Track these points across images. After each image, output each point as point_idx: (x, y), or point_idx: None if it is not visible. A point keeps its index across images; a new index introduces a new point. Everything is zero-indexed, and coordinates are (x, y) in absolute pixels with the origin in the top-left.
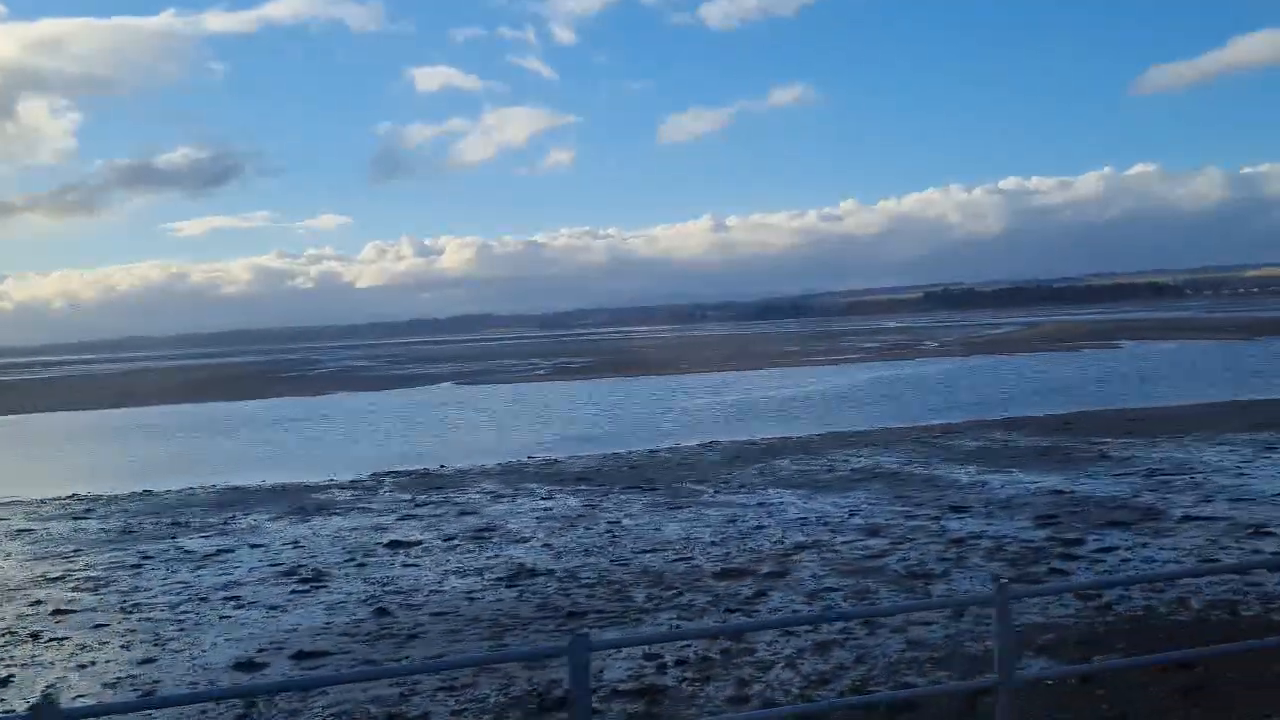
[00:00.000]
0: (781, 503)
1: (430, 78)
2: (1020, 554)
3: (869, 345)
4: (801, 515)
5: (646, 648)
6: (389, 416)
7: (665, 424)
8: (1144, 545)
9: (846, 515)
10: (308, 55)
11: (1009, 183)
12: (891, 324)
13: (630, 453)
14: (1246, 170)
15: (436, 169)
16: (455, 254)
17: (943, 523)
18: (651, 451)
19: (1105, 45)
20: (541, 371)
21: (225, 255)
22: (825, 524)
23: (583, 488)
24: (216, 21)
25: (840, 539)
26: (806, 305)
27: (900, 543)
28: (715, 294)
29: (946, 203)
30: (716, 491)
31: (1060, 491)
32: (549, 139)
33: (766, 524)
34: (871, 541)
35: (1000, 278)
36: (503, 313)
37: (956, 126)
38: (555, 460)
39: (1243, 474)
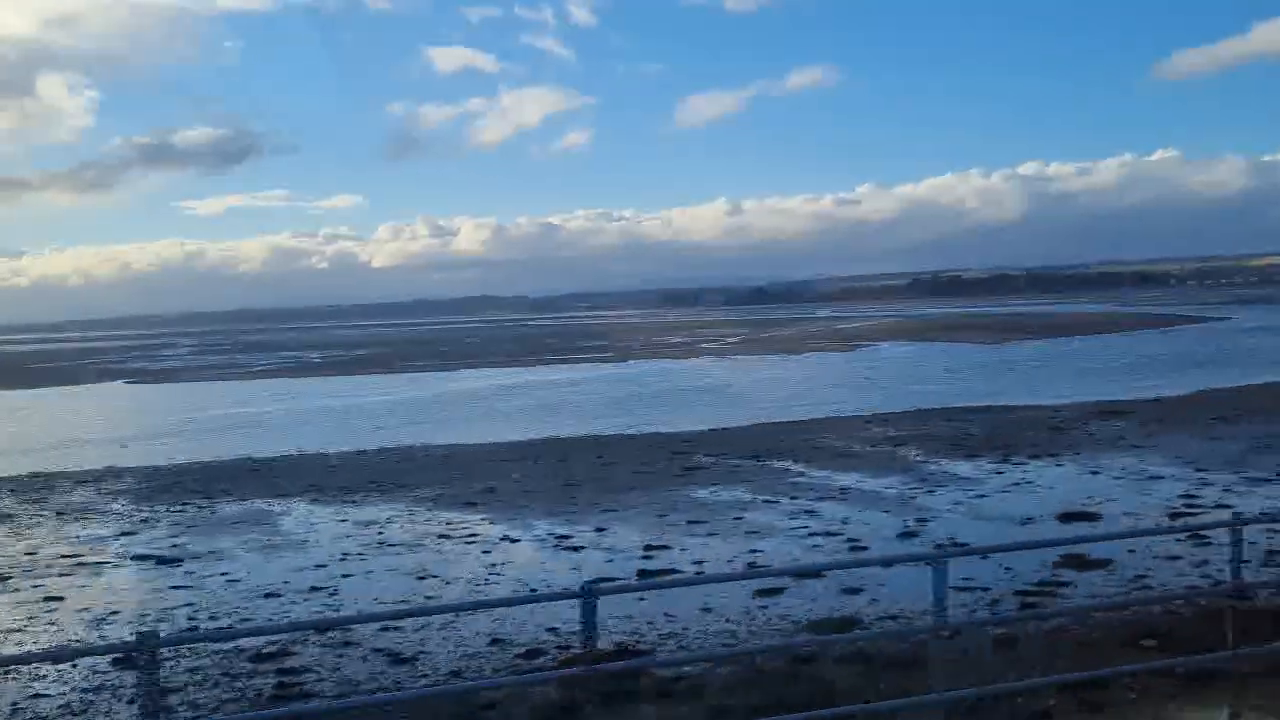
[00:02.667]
0: None
1: (447, 58)
2: None
3: (670, 341)
4: None
5: None
6: None
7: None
8: None
9: None
10: (324, 34)
11: (1028, 168)
12: (823, 314)
13: None
14: (1268, 158)
15: (453, 149)
16: (470, 235)
17: None
18: None
19: (1128, 30)
20: (265, 366)
21: (241, 234)
22: None
23: None
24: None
25: None
26: (798, 292)
27: None
28: (727, 277)
29: (964, 188)
30: None
31: None
32: (565, 120)
33: None
34: None
35: (1013, 264)
36: (507, 295)
37: (976, 111)
38: None
39: None
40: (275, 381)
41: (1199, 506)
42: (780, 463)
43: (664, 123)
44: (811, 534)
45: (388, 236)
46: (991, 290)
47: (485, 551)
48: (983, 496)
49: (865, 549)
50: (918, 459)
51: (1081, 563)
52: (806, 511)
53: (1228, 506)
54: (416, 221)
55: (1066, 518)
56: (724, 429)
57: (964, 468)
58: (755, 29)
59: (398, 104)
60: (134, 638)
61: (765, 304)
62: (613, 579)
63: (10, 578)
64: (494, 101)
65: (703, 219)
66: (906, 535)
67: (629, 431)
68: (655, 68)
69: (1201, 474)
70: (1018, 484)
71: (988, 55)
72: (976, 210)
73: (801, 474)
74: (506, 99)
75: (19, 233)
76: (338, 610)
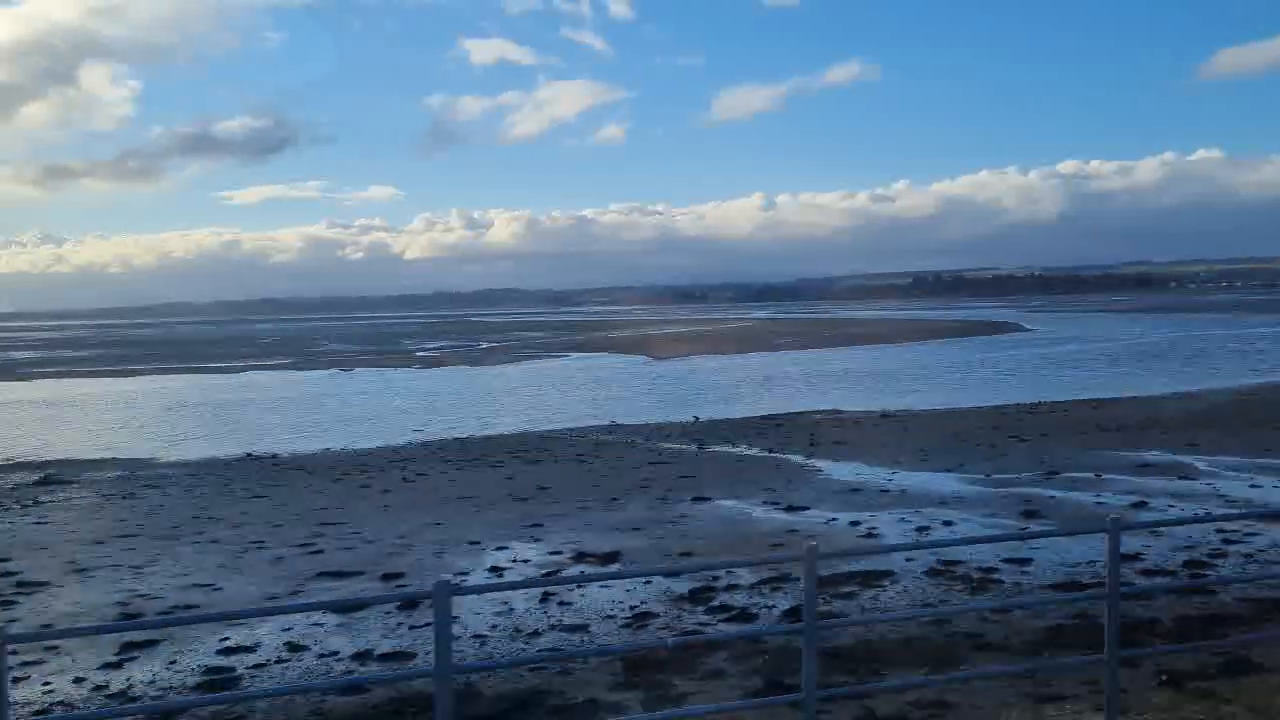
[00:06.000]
0: None
1: (484, 50)
2: None
3: (427, 348)
4: None
5: None
6: None
7: None
8: None
9: None
10: (363, 25)
11: (1067, 166)
12: (758, 314)
13: None
14: None
15: (488, 142)
16: (504, 227)
17: None
18: None
19: (1173, 27)
20: None
21: (278, 224)
22: None
23: None
24: None
25: None
26: (805, 290)
27: None
28: (759, 273)
29: (1002, 185)
30: None
31: None
32: (601, 113)
33: None
34: None
35: (1043, 264)
36: (532, 288)
37: (1015, 108)
38: None
39: None
40: None
41: None
42: None
43: (700, 117)
44: None
45: (422, 228)
46: (992, 290)
47: None
48: None
49: None
50: None
51: None
52: None
53: None
54: (450, 214)
55: None
56: None
57: None
58: (793, 23)
59: (435, 96)
60: None
61: (767, 301)
62: None
63: None
64: (530, 94)
65: (737, 214)
66: None
67: None
68: (692, 61)
69: None
70: None
71: (1028, 51)
72: (1014, 209)
73: None
74: (543, 92)
75: (62, 220)
76: None
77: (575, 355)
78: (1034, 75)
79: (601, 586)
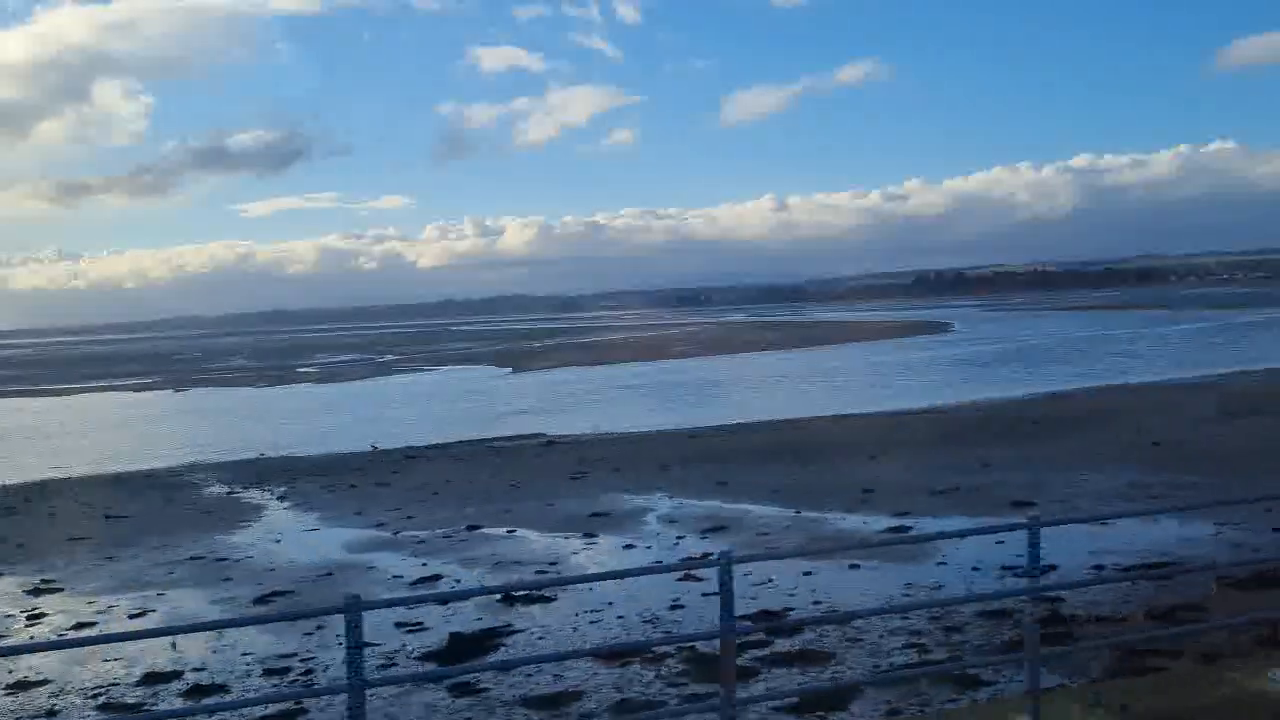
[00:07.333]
0: None
1: (494, 57)
2: None
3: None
4: None
5: None
6: None
7: None
8: None
9: None
10: (373, 35)
11: (1080, 161)
12: (735, 317)
13: None
14: None
15: (500, 149)
16: (516, 234)
17: None
18: None
19: (1186, 18)
20: None
21: (292, 235)
22: None
23: None
24: (282, 1)
25: None
26: (807, 291)
27: None
28: (770, 274)
29: (1015, 181)
30: None
31: None
32: (612, 118)
33: None
34: None
35: (1056, 260)
36: (540, 294)
37: (1027, 103)
38: None
39: None
40: None
41: None
42: None
43: (711, 119)
44: None
45: (435, 237)
46: (988, 288)
47: None
48: None
49: None
50: None
51: None
52: None
53: None
54: (463, 221)
55: None
56: None
57: None
58: (803, 24)
59: (446, 104)
60: None
61: (767, 303)
62: None
63: None
64: (541, 101)
65: (750, 216)
66: None
67: None
68: (702, 64)
69: None
70: None
71: (1039, 45)
72: (1028, 204)
73: None
74: (553, 98)
75: (78, 236)
76: None
77: (445, 369)
78: (1046, 69)
79: None
